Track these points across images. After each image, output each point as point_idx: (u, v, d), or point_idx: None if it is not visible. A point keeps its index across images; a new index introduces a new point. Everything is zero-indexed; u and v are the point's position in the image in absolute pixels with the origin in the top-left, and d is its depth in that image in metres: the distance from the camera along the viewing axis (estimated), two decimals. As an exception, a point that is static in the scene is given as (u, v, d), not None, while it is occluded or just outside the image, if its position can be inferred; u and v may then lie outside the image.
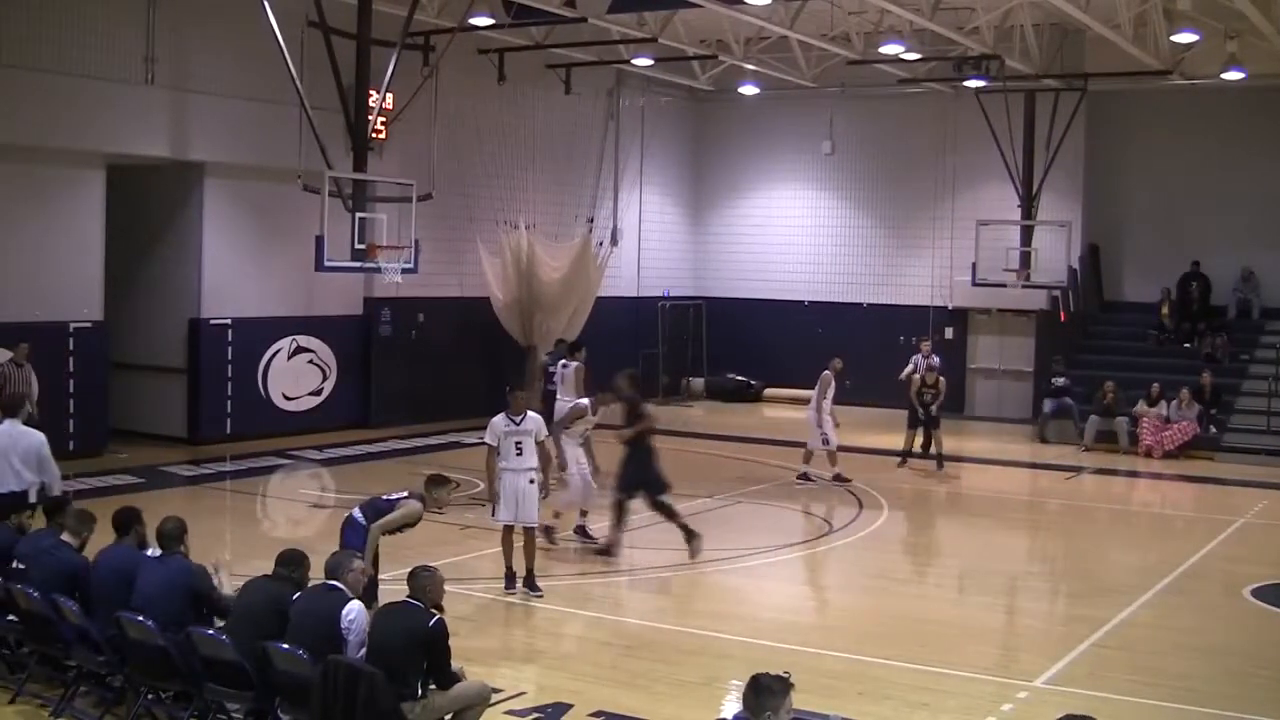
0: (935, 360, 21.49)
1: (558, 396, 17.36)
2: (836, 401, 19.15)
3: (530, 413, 12.11)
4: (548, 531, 13.74)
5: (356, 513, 10.79)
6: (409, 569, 8.06)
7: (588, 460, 14.68)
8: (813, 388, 19.20)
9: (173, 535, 8.58)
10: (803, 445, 19.31)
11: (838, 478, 18.81)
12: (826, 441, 18.87)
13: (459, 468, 15.23)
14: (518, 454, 11.94)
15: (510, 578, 12.13)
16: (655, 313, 29.12)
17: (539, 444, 12.31)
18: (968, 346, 27.68)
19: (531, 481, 11.99)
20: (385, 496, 10.99)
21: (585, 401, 14.83)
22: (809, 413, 19.15)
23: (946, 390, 20.81)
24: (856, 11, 21.82)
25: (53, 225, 18.55)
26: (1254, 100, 25.06)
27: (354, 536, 10.47)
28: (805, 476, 18.92)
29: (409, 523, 10.82)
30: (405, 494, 10.93)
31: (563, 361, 17.83)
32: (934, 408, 20.37)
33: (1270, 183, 25.50)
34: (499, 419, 12.03)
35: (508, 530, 12.15)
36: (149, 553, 8.81)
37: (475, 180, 23.77)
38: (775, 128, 29.42)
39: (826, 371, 19.07)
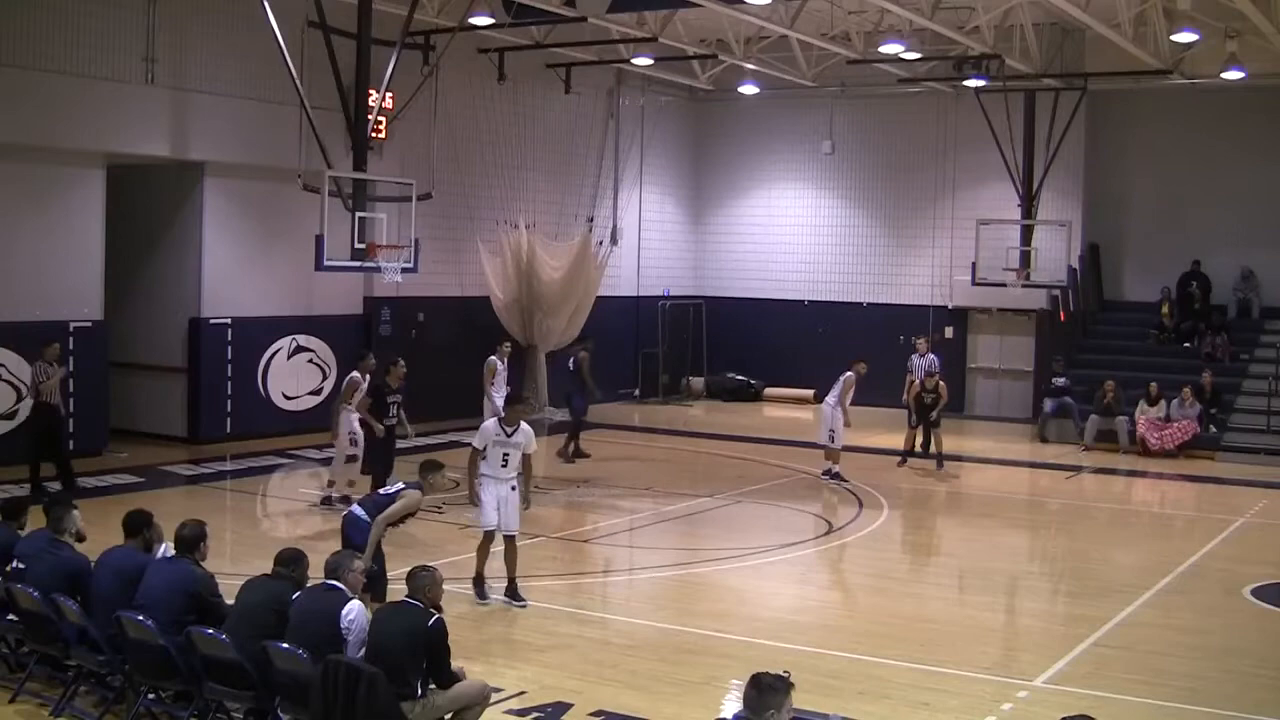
0: (934, 359, 21.45)
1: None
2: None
3: (523, 424, 11.86)
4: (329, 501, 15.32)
5: (358, 510, 10.82)
6: (408, 568, 8.08)
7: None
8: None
9: (187, 542, 8.54)
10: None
11: (835, 475, 18.88)
12: (833, 439, 18.92)
13: (458, 467, 15.19)
14: (503, 464, 11.70)
15: (481, 585, 11.81)
16: (655, 312, 29.12)
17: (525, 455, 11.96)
18: (968, 346, 27.70)
19: (513, 489, 11.77)
20: (383, 491, 11.02)
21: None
22: (824, 408, 19.25)
23: (948, 394, 20.76)
24: (856, 11, 21.83)
25: (53, 225, 18.55)
26: (1254, 100, 25.06)
27: (358, 534, 10.50)
28: (837, 475, 18.96)
29: (410, 512, 10.88)
30: (402, 485, 10.99)
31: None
32: (934, 413, 20.33)
33: (1270, 182, 25.49)
34: (491, 424, 11.84)
35: (489, 536, 11.83)
36: (159, 553, 8.82)
37: (475, 180, 23.78)
38: (775, 127, 29.42)
39: (850, 374, 19.04)
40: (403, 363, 15.99)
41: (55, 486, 15.84)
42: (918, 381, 20.78)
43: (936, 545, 16.57)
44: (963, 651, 10.86)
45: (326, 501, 16.16)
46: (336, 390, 22.06)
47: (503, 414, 12.09)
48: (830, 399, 19.14)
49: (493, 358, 19.42)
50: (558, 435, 22.13)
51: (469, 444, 12.18)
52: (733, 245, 30.21)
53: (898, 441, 21.13)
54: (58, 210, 18.62)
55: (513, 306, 24.45)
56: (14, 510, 10.00)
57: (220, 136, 20.07)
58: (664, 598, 12.99)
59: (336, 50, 17.50)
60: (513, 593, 11.79)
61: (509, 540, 11.86)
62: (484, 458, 11.76)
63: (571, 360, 20.86)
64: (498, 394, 18.99)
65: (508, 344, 20.59)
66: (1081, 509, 18.53)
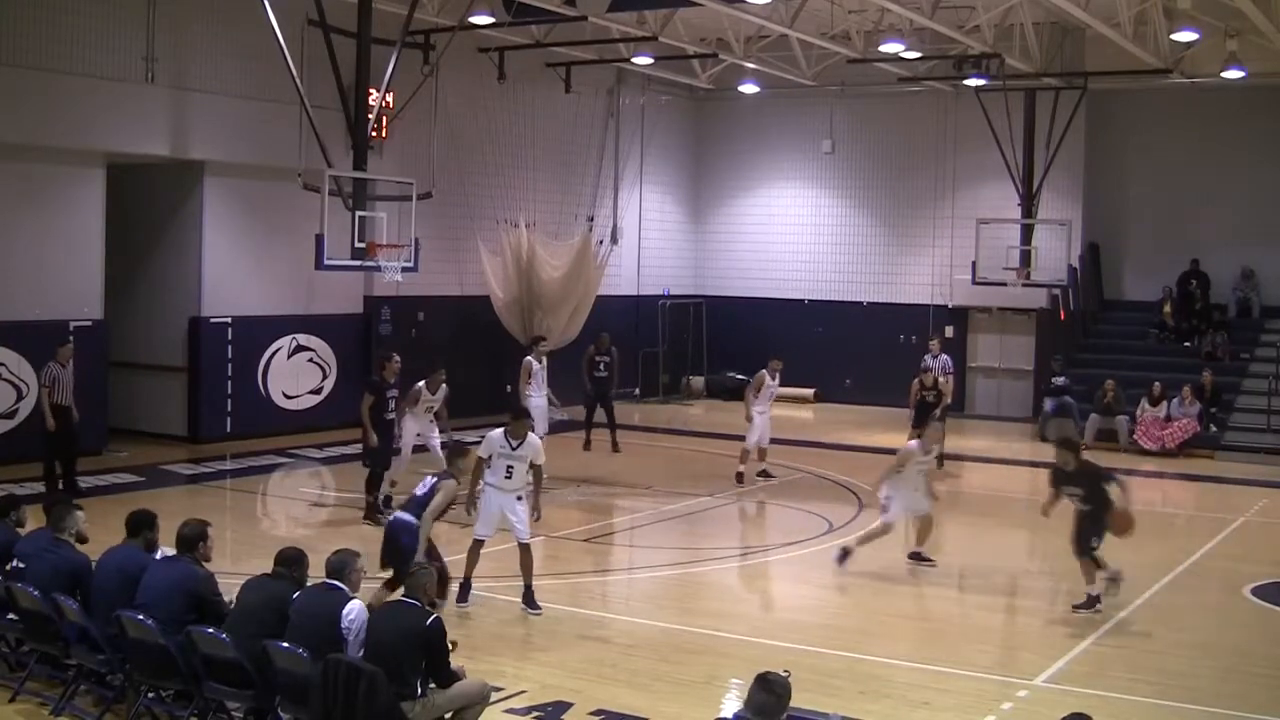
0: (947, 360, 21.30)
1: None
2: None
3: (531, 436, 11.72)
4: (388, 501, 14.89)
5: (403, 515, 10.74)
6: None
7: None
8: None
9: (186, 541, 8.54)
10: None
11: (739, 476, 18.66)
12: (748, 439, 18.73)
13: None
14: (507, 476, 11.55)
15: (465, 589, 11.63)
16: (655, 311, 29.13)
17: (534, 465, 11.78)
18: (968, 345, 27.69)
19: (520, 499, 11.63)
20: (416, 492, 10.93)
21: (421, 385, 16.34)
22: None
23: (950, 393, 20.61)
24: (856, 10, 21.84)
25: (53, 224, 18.56)
26: (1254, 99, 25.06)
27: (409, 537, 10.48)
28: (764, 473, 18.96)
29: (451, 501, 10.83)
30: (434, 479, 10.91)
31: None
32: (938, 411, 20.22)
33: (1270, 182, 25.50)
34: (497, 435, 11.59)
35: (479, 544, 11.72)
36: (158, 554, 8.82)
37: (475, 179, 23.78)
38: (775, 126, 29.41)
39: (762, 371, 18.90)
40: (398, 358, 15.89)
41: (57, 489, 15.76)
42: (917, 380, 20.68)
43: (936, 544, 16.51)
44: (963, 651, 10.86)
45: (387, 502, 15.35)
46: (337, 390, 22.18)
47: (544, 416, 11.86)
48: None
49: (529, 358, 18.29)
50: (554, 435, 22.17)
51: (470, 444, 12.11)
52: (733, 245, 30.20)
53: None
54: (58, 210, 18.63)
55: (513, 306, 24.44)
56: (3, 507, 9.98)
57: (220, 136, 20.08)
58: (664, 597, 12.99)
59: (336, 49, 17.51)
60: (529, 600, 11.61)
61: (523, 548, 11.66)
62: (489, 467, 11.62)
63: None
64: (535, 396, 17.93)
65: (543, 341, 19.38)
66: (1082, 508, 18.49)
